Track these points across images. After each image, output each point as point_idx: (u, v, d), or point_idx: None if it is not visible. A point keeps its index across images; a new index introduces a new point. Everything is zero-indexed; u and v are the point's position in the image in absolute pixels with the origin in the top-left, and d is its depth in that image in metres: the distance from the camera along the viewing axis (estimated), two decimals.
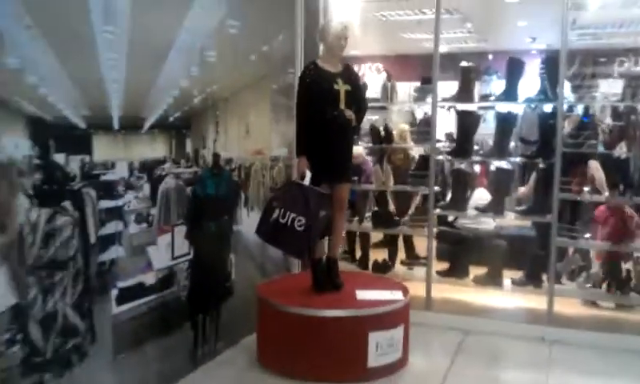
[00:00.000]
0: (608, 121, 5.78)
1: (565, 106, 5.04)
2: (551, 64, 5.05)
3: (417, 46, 8.44)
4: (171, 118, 3.57)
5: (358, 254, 5.98)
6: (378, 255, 5.95)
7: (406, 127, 6.17)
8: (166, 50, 3.48)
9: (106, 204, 3.06)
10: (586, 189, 5.12)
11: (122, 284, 3.22)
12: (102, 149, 3.06)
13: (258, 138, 4.60)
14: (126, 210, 3.24)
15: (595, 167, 5.09)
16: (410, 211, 5.98)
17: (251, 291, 4.38)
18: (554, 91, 4.96)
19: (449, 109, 5.70)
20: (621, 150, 5.11)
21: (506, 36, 8.90)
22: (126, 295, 3.26)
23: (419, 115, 6.93)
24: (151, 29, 3.34)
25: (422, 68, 7.51)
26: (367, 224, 5.82)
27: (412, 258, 6.08)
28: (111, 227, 3.12)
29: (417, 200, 6.14)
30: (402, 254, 6.09)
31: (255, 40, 4.44)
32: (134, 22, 3.17)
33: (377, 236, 6.35)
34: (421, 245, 5.90)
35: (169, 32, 3.51)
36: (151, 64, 3.38)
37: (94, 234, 2.95)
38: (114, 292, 3.18)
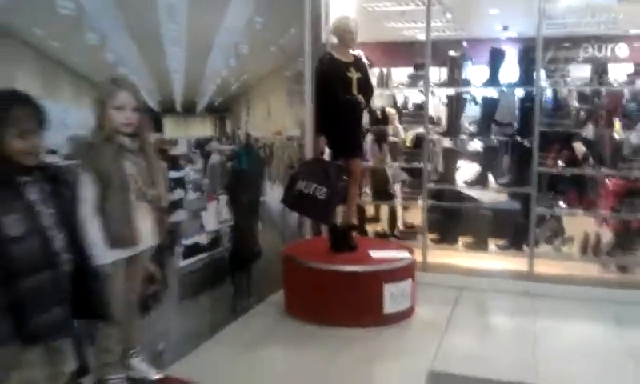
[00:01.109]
0: (575, 103, 6.54)
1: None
2: (526, 53, 5.76)
3: (398, 34, 9.16)
4: (215, 103, 4.16)
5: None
6: (372, 228, 6.67)
7: (393, 110, 6.87)
8: (212, 45, 4.07)
9: (173, 174, 3.65)
10: (560, 163, 5.87)
11: (184, 242, 3.83)
12: (169, 128, 3.65)
13: (277, 119, 5.21)
14: (186, 179, 3.83)
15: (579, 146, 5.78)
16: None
17: (274, 255, 5.03)
18: (529, 77, 5.66)
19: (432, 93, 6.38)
20: (588, 130, 5.84)
21: (479, 24, 9.61)
22: (187, 252, 3.87)
23: (400, 99, 7.63)
24: (201, 27, 3.93)
25: (403, 54, 8.22)
26: (365, 198, 6.50)
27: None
28: (177, 194, 3.72)
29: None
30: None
31: (274, 34, 5.04)
32: (190, 21, 3.75)
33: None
34: (411, 217, 6.67)
35: (214, 29, 4.09)
36: (202, 57, 3.96)
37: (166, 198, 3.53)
38: (179, 249, 3.78)
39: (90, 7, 2.88)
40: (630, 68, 6.03)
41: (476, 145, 6.60)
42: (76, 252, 2.00)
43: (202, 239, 4.06)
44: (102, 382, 2.43)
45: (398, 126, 6.73)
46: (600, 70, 5.88)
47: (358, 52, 4.92)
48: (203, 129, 4.05)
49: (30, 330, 1.84)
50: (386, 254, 4.78)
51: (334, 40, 4.99)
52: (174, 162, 3.69)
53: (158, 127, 3.52)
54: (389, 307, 4.50)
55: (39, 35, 2.62)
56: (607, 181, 5.84)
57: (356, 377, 3.75)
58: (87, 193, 2.18)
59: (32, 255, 1.85)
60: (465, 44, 9.40)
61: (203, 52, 3.98)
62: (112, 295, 2.23)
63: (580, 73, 6.25)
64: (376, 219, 7.12)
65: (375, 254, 4.78)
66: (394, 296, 4.52)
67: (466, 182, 6.23)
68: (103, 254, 2.21)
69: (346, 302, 4.46)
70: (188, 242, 3.88)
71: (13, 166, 1.90)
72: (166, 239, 2.86)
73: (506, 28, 9.25)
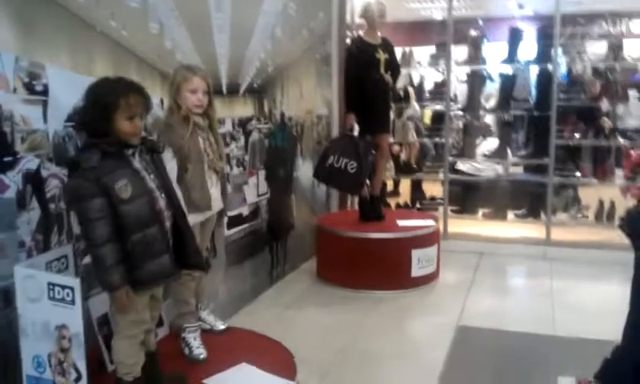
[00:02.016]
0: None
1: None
2: (544, 31, 6.02)
3: (417, 14, 9.40)
4: (255, 85, 4.48)
5: None
6: (392, 202, 7.01)
7: (411, 89, 7.17)
8: (252, 30, 4.39)
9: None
10: (576, 135, 6.15)
11: (229, 213, 4.18)
12: (217, 108, 3.95)
13: (308, 99, 5.52)
14: (231, 156, 4.18)
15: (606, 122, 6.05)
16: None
17: (306, 226, 5.39)
18: (547, 54, 5.92)
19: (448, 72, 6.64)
20: (604, 104, 6.11)
21: (496, 3, 9.81)
22: (232, 222, 4.22)
23: (416, 78, 7.91)
24: (243, 13, 4.23)
25: (422, 33, 8.46)
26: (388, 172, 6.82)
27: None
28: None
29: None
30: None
31: (305, 18, 5.34)
32: (234, 8, 4.07)
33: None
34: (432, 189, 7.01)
35: (253, 15, 4.40)
36: (244, 41, 4.28)
37: None
38: (225, 219, 4.13)
39: (152, 0, 3.22)
40: None
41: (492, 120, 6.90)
42: (174, 211, 2.35)
43: (244, 210, 4.41)
44: (181, 330, 2.79)
45: (415, 104, 7.02)
46: (615, 47, 6.14)
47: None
48: (245, 109, 4.38)
49: (141, 275, 2.22)
50: (412, 223, 5.12)
51: (363, 22, 5.28)
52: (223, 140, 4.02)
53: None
54: (416, 271, 4.85)
55: (113, 26, 2.96)
56: (632, 151, 6.12)
57: (391, 330, 4.11)
58: (168, 166, 2.52)
59: (140, 213, 2.21)
60: (480, 22, 9.67)
61: (245, 37, 4.30)
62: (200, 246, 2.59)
63: (596, 49, 6.51)
64: (396, 193, 7.44)
65: (402, 222, 5.12)
66: (420, 261, 4.86)
67: (485, 155, 6.53)
68: (188, 217, 2.56)
69: (375, 267, 4.81)
70: (232, 214, 4.23)
71: (121, 142, 2.23)
72: (227, 204, 3.21)
73: (521, 6, 9.47)
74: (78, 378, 2.21)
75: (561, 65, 6.26)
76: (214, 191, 2.85)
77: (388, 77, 5.04)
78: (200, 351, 2.74)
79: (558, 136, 5.90)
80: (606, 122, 6.03)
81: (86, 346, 2.25)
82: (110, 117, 2.20)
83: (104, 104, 2.19)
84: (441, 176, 6.43)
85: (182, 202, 2.54)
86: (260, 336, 3.04)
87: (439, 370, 3.49)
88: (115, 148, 2.21)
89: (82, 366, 2.19)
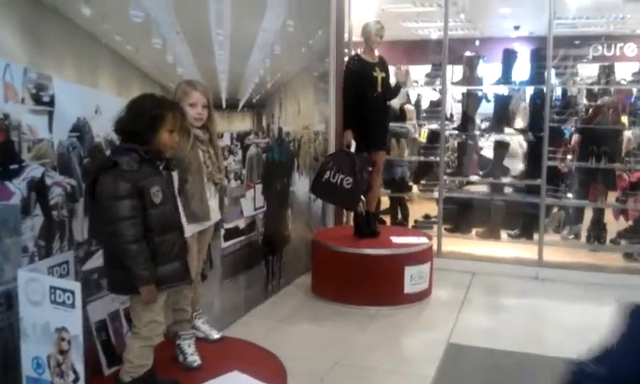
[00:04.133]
0: (584, 101, 6.92)
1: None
2: (537, 53, 6.15)
3: (413, 33, 9.57)
4: (254, 100, 4.58)
5: None
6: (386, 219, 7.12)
7: (411, 107, 7.30)
8: (252, 46, 4.49)
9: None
10: (568, 157, 6.27)
11: (226, 226, 4.25)
12: (217, 123, 4.06)
13: (306, 115, 5.62)
14: (228, 169, 4.26)
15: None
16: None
17: (302, 240, 5.46)
18: (541, 76, 6.04)
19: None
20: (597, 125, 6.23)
21: (492, 24, 9.99)
22: (228, 235, 4.30)
23: (413, 96, 8.04)
24: (243, 31, 4.34)
25: (418, 53, 8.61)
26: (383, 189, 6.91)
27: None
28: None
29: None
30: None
31: (304, 36, 5.45)
32: (234, 25, 4.17)
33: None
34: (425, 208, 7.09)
35: (253, 32, 4.51)
36: (243, 58, 4.38)
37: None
38: (222, 231, 4.20)
39: (154, 16, 3.31)
40: (636, 67, 6.43)
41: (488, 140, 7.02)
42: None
43: (241, 223, 4.49)
44: (177, 337, 2.85)
45: (410, 123, 7.16)
46: (607, 70, 6.26)
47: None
48: (243, 123, 4.47)
49: (160, 275, 2.35)
50: (406, 240, 5.20)
51: (359, 40, 5.39)
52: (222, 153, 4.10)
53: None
54: (409, 287, 4.92)
55: (118, 41, 3.05)
56: (624, 174, 6.24)
57: (381, 346, 4.17)
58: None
59: (165, 218, 2.38)
60: (477, 43, 9.84)
61: (244, 53, 4.40)
62: (189, 263, 2.67)
63: (589, 72, 6.65)
64: (391, 211, 7.51)
65: (396, 239, 5.20)
66: (413, 277, 4.93)
67: (478, 175, 6.63)
68: (184, 229, 2.64)
69: (369, 283, 4.88)
70: (229, 226, 4.30)
71: (157, 152, 2.41)
72: (224, 216, 3.29)
73: (517, 27, 9.64)
74: (76, 380, 2.27)
75: (555, 86, 6.39)
76: (212, 202, 2.93)
77: (396, 82, 5.17)
78: (194, 358, 2.81)
79: (550, 157, 5.98)
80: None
81: (85, 349, 2.32)
82: (156, 128, 2.38)
83: (153, 116, 2.39)
84: (435, 194, 6.51)
85: (182, 217, 2.63)
86: (253, 346, 3.11)
87: None
88: (151, 156, 2.38)
89: (80, 368, 2.26)
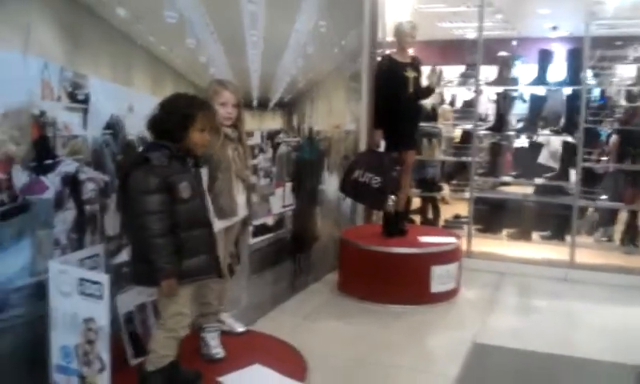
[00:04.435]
0: (623, 102, 6.80)
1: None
2: (574, 53, 6.07)
3: (449, 33, 9.51)
4: (285, 99, 4.65)
5: None
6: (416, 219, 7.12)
7: (449, 108, 7.27)
8: (284, 47, 4.56)
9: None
10: (603, 158, 6.18)
11: (255, 222, 4.33)
12: (247, 121, 4.12)
13: (337, 115, 5.67)
14: (258, 167, 4.34)
15: None
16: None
17: (330, 238, 5.52)
18: (576, 77, 5.96)
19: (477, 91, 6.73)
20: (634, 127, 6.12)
21: (530, 24, 9.87)
22: (256, 231, 4.38)
23: (447, 96, 7.99)
24: (276, 32, 4.41)
25: (454, 53, 8.55)
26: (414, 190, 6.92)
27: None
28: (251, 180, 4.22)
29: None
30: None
31: (336, 36, 5.50)
32: (267, 26, 4.24)
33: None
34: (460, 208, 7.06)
35: (286, 33, 4.58)
36: (275, 58, 4.45)
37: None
38: (250, 228, 4.28)
39: (189, 16, 3.40)
40: None
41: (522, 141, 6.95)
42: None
43: (269, 220, 4.56)
44: (201, 330, 2.94)
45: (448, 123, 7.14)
46: None
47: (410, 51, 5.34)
48: (274, 122, 4.54)
49: (182, 270, 2.41)
50: (434, 239, 5.21)
51: (393, 40, 5.41)
52: (250, 151, 4.18)
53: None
54: (436, 287, 4.93)
55: (152, 41, 3.15)
56: None
57: (406, 344, 4.20)
58: (202, 175, 2.70)
59: (192, 214, 2.45)
60: (515, 43, 9.73)
61: (277, 54, 4.47)
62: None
63: (629, 72, 6.53)
64: (422, 211, 7.49)
65: (424, 238, 5.22)
66: (440, 277, 4.95)
67: (510, 175, 6.59)
68: (214, 224, 2.72)
69: (396, 281, 4.91)
70: (257, 223, 4.38)
71: (188, 149, 2.49)
72: (252, 213, 3.37)
73: (555, 28, 9.51)
74: (102, 369, 2.37)
75: (593, 87, 6.30)
76: (240, 199, 3.01)
77: (432, 83, 5.23)
78: (217, 351, 2.89)
79: (585, 159, 5.91)
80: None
81: (111, 340, 2.41)
82: (187, 126, 2.46)
83: (184, 115, 2.46)
84: (467, 195, 6.49)
85: (211, 212, 2.71)
86: (276, 340, 3.17)
87: None
88: (182, 153, 2.46)
89: (106, 358, 2.35)
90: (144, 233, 2.35)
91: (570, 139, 6.13)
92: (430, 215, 7.22)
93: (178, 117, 2.45)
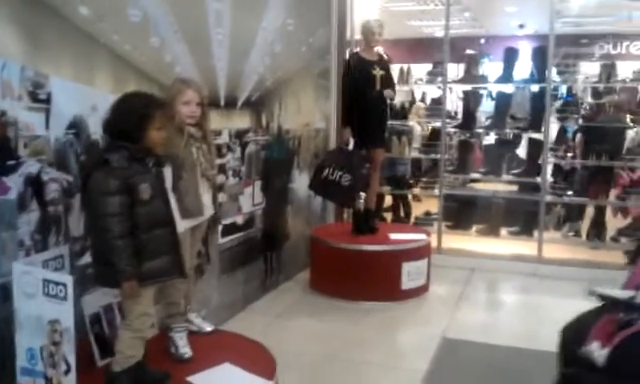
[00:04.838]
0: (589, 99, 6.94)
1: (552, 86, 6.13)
2: (539, 51, 6.17)
3: (418, 31, 9.59)
4: (253, 98, 4.64)
5: None
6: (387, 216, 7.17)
7: (422, 105, 7.34)
8: (251, 45, 4.55)
9: (217, 161, 4.12)
10: (569, 155, 6.30)
11: (224, 221, 4.32)
12: (215, 120, 4.11)
13: (306, 113, 5.67)
14: (227, 166, 4.32)
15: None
16: None
17: (301, 237, 5.52)
18: (541, 74, 6.06)
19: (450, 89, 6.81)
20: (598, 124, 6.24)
21: (497, 22, 9.99)
22: (226, 231, 4.36)
23: (418, 95, 8.07)
24: (242, 30, 4.40)
25: (423, 51, 8.61)
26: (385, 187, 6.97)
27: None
28: (219, 179, 4.19)
29: None
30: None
31: (304, 34, 5.51)
32: (233, 24, 4.23)
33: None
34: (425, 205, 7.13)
35: (253, 31, 4.57)
36: (242, 56, 4.44)
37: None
38: (220, 227, 4.27)
39: (152, 15, 3.38)
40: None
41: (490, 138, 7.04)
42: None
43: (239, 219, 4.55)
44: (169, 330, 2.92)
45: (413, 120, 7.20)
46: (608, 68, 6.28)
47: (377, 49, 5.36)
48: (242, 121, 4.53)
49: (143, 271, 2.40)
50: (404, 236, 5.25)
51: (361, 38, 5.44)
52: (218, 151, 4.16)
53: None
54: (406, 284, 4.97)
55: (115, 40, 3.12)
56: (623, 173, 6.25)
57: (377, 340, 4.23)
58: (166, 174, 2.67)
59: (154, 214, 2.43)
60: (482, 41, 9.84)
61: (244, 52, 4.46)
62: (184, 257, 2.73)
63: (594, 70, 6.65)
64: (393, 209, 7.56)
65: (394, 236, 5.25)
66: (410, 274, 4.99)
67: (479, 172, 6.67)
68: (179, 224, 2.71)
69: (367, 278, 4.93)
70: (227, 222, 4.37)
71: (147, 149, 2.46)
72: (218, 212, 3.36)
73: (522, 26, 9.63)
74: (68, 371, 2.34)
75: (558, 85, 6.41)
76: (206, 198, 2.99)
77: (389, 92, 5.19)
78: (185, 350, 2.87)
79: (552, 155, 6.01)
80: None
81: (77, 341, 2.39)
82: (145, 127, 2.43)
83: (142, 115, 2.43)
84: (436, 192, 6.55)
85: (176, 212, 2.70)
86: (244, 339, 3.17)
87: (421, 379, 3.60)
88: (142, 154, 2.43)
89: (72, 360, 2.33)
90: (104, 235, 2.33)
91: (536, 136, 6.22)
92: (402, 213, 7.27)
93: (135, 118, 2.42)
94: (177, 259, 2.53)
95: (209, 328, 3.22)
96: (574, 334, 2.90)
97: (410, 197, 7.40)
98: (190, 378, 2.65)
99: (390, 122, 6.82)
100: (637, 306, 2.81)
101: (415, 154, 7.03)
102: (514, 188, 6.83)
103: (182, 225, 2.77)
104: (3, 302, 2.51)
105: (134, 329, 2.45)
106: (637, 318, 2.78)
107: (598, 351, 2.64)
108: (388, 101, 5.28)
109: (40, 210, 2.69)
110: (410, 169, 7.28)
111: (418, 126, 7.24)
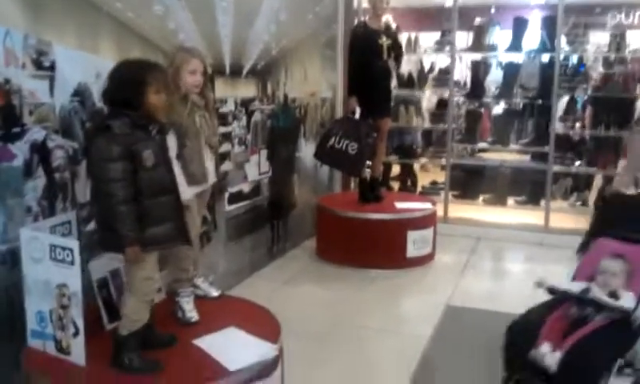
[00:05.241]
0: (601, 69, 6.85)
1: (561, 57, 6.07)
2: (549, 21, 6.10)
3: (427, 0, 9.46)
4: (258, 66, 4.64)
5: None
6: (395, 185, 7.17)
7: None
8: (256, 13, 4.53)
9: (222, 130, 4.15)
10: (577, 125, 6.26)
11: (230, 189, 4.35)
12: (220, 88, 4.14)
13: (312, 82, 5.66)
14: (232, 135, 4.34)
15: None
16: None
17: (308, 205, 5.56)
18: (552, 44, 6.00)
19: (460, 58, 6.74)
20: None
21: None
22: (232, 198, 4.40)
23: (427, 63, 7.96)
24: None
25: (431, 19, 8.49)
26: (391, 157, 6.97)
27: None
28: (225, 147, 4.23)
29: None
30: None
31: (310, 2, 5.47)
32: None
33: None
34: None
35: None
36: (247, 24, 4.43)
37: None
38: (226, 195, 4.31)
39: None
40: None
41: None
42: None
43: (245, 187, 4.59)
44: (176, 295, 2.97)
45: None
46: (618, 38, 6.19)
47: (387, 17, 5.32)
48: (247, 90, 4.53)
49: (147, 237, 2.41)
50: (409, 205, 5.27)
51: (368, 7, 5.39)
52: (223, 119, 4.18)
53: (211, 87, 4.00)
54: (412, 252, 5.01)
55: (119, 8, 3.12)
56: None
57: (381, 306, 4.29)
58: (170, 142, 2.69)
59: (156, 182, 2.43)
60: (492, 10, 9.69)
61: (249, 20, 4.44)
62: (191, 224, 2.77)
63: (599, 39, 6.56)
64: (402, 177, 7.55)
65: (400, 204, 5.27)
66: (416, 242, 5.02)
67: (487, 142, 6.64)
68: (185, 191, 2.74)
69: (372, 246, 4.97)
70: (233, 190, 4.40)
71: (149, 116, 2.45)
72: (221, 178, 3.38)
73: None
74: (76, 333, 2.40)
75: (568, 54, 6.33)
76: (209, 165, 3.02)
77: (391, 62, 5.16)
78: (192, 314, 2.92)
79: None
80: None
81: (86, 305, 2.44)
82: (143, 92, 2.41)
83: (138, 81, 2.41)
84: (443, 161, 6.55)
85: (182, 179, 2.72)
86: (250, 304, 3.20)
87: (424, 345, 3.65)
88: (144, 121, 2.43)
89: (80, 323, 2.38)
90: (108, 200, 2.35)
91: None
92: (409, 182, 7.27)
93: (131, 84, 2.41)
94: (181, 225, 2.56)
95: (215, 293, 3.26)
96: (523, 333, 2.72)
97: (416, 166, 7.38)
98: (195, 341, 2.69)
99: (397, 92, 6.87)
100: (590, 300, 2.70)
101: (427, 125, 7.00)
102: (525, 157, 6.80)
103: (188, 192, 2.79)
104: (12, 267, 2.57)
105: (138, 293, 2.49)
106: (591, 314, 2.65)
107: (549, 355, 2.52)
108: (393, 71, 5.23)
109: (46, 176, 2.73)
110: (419, 138, 7.25)
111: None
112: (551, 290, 2.91)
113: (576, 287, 2.84)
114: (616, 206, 3.45)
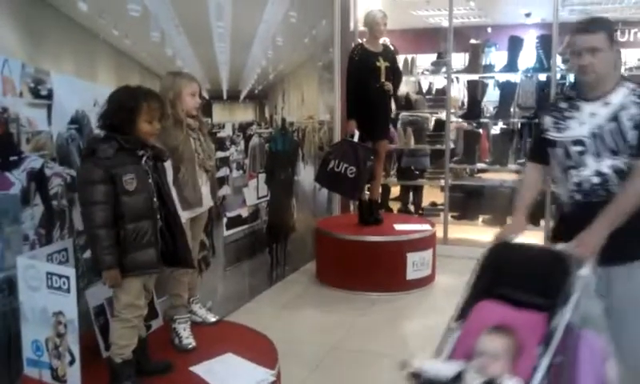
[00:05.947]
0: None
1: (558, 76, 6.11)
2: (545, 39, 6.14)
3: (423, 21, 9.54)
4: (256, 91, 4.66)
5: None
6: (394, 207, 7.17)
7: (418, 96, 7.32)
8: (253, 38, 4.56)
9: (220, 154, 4.16)
10: None
11: (228, 214, 4.35)
12: (217, 113, 4.15)
13: (310, 105, 5.69)
14: (230, 159, 4.35)
15: None
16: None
17: (307, 229, 5.55)
18: (548, 62, 6.04)
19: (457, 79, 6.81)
20: None
21: (503, 11, 9.92)
22: (231, 223, 4.40)
23: (425, 85, 8.03)
24: (244, 23, 4.41)
25: (428, 41, 8.56)
26: (392, 179, 6.98)
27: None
28: (223, 171, 4.23)
29: None
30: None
31: (306, 26, 5.52)
32: (235, 18, 4.25)
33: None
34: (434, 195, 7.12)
35: (254, 24, 4.58)
36: (245, 49, 4.46)
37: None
38: (224, 220, 4.30)
39: (153, 9, 3.41)
40: None
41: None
42: (167, 212, 2.54)
43: (244, 212, 4.58)
44: (172, 321, 2.96)
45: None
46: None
47: (383, 40, 5.35)
48: (245, 114, 4.55)
49: (128, 262, 2.41)
50: (409, 227, 5.27)
51: (364, 30, 5.44)
52: (221, 144, 4.20)
53: (208, 112, 4.03)
54: (411, 274, 4.99)
55: (116, 35, 3.15)
56: None
57: (382, 330, 4.26)
58: (167, 168, 2.70)
59: (138, 207, 2.43)
60: (489, 30, 9.77)
61: (246, 45, 4.48)
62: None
63: None
64: (401, 199, 7.56)
65: (399, 226, 5.27)
66: (415, 264, 5.00)
67: (485, 162, 6.66)
68: (180, 215, 2.74)
69: (372, 269, 4.95)
70: (231, 215, 4.40)
71: (137, 141, 2.47)
72: (218, 202, 3.39)
73: (528, 14, 9.57)
74: (72, 362, 2.38)
75: (564, 73, 6.37)
76: (204, 189, 3.03)
77: (389, 85, 5.19)
78: (189, 341, 2.91)
79: None
80: None
81: (82, 332, 2.43)
82: (134, 119, 2.44)
83: (129, 108, 2.44)
84: (442, 182, 6.55)
85: (177, 204, 2.72)
86: (248, 329, 3.19)
87: None
88: (130, 145, 2.44)
89: (76, 351, 2.37)
90: (87, 223, 2.38)
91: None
92: (410, 203, 7.27)
93: (123, 110, 2.44)
94: (173, 250, 2.54)
95: (213, 319, 3.25)
96: None
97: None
98: (192, 368, 2.68)
99: (402, 113, 6.90)
100: None
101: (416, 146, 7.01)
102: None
103: (182, 216, 2.80)
104: (9, 294, 2.56)
105: (122, 319, 2.47)
106: None
107: None
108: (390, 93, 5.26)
109: (44, 204, 2.73)
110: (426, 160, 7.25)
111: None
112: (415, 376, 2.11)
113: (449, 371, 2.10)
114: (502, 257, 2.55)
